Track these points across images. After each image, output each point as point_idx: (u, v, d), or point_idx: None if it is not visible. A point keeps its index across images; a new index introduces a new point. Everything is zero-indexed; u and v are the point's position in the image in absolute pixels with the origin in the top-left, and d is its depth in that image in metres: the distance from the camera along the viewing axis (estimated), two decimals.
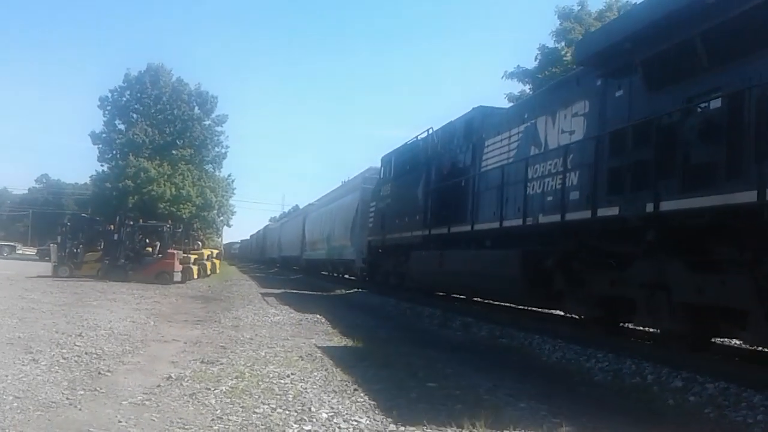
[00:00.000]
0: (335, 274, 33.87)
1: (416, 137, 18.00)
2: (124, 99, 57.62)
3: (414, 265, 16.51)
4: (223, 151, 60.39)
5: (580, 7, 32.43)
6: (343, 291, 23.49)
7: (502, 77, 33.04)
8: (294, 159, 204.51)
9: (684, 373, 6.97)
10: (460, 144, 14.69)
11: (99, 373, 6.88)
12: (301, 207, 57.78)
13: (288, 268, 48.76)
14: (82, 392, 5.94)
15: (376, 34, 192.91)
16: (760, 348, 8.35)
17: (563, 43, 31.71)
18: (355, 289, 23.24)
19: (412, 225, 16.60)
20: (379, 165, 21.96)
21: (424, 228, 15.66)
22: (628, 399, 6.84)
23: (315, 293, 22.77)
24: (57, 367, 7.01)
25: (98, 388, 6.11)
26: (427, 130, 16.89)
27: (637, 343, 9.19)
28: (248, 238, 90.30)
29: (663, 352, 8.12)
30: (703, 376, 6.75)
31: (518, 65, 33.21)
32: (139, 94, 57.28)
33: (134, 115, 57.05)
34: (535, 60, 32.99)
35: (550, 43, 32.66)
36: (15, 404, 5.39)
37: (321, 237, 34.13)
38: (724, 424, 5.78)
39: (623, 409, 6.42)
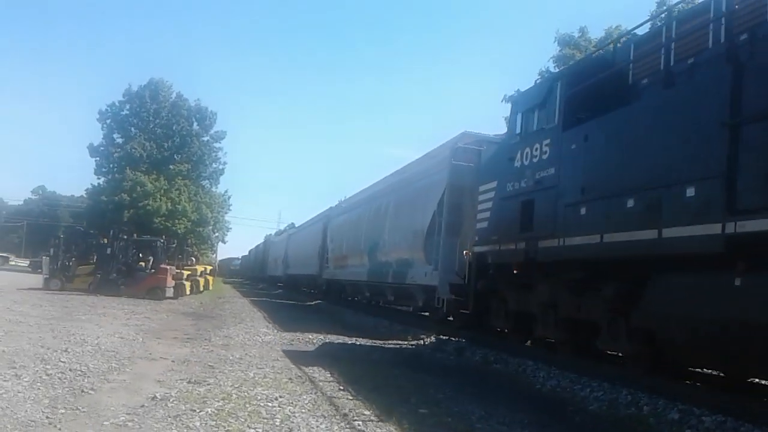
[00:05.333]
0: (377, 302, 23.93)
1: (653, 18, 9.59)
2: (124, 113, 57.63)
3: (684, 310, 7.26)
4: (221, 167, 60.42)
5: (580, 35, 32.65)
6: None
7: (502, 101, 33.12)
8: (291, 177, 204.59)
9: (680, 404, 6.85)
10: None
11: (82, 391, 6.71)
12: (297, 225, 51.73)
13: (296, 290, 39.62)
14: (63, 411, 5.78)
15: (377, 54, 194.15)
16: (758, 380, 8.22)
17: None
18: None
19: (666, 213, 7.40)
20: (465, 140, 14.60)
21: (728, 212, 6.64)
22: (623, 430, 6.69)
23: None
24: (39, 384, 6.84)
25: (80, 407, 5.94)
26: None
27: (632, 372, 8.99)
28: (247, 254, 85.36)
29: (659, 382, 7.98)
30: (700, 408, 6.63)
31: (517, 89, 33.37)
32: (138, 108, 57.30)
33: (133, 129, 57.04)
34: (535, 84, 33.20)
35: (551, 68, 32.87)
36: None
37: (356, 249, 23.97)
38: None
39: None
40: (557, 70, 32.45)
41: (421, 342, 13.84)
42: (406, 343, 13.89)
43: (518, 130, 11.36)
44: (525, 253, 10.41)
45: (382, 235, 20.64)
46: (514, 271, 11.25)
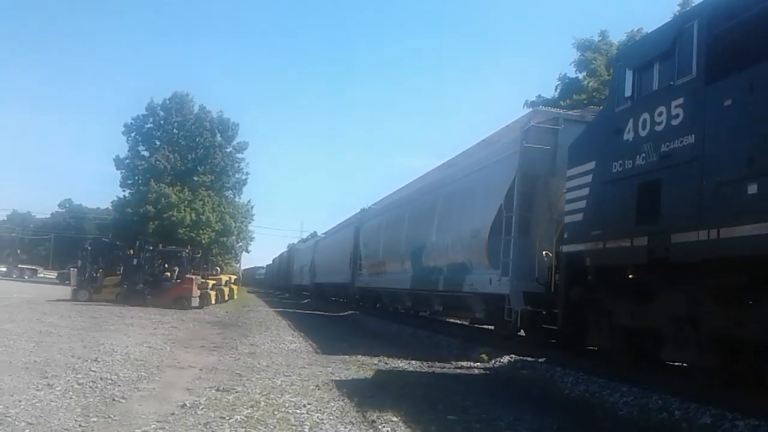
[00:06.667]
0: (421, 312, 21.84)
1: None
2: (148, 126, 58.46)
3: None
4: (244, 177, 60.98)
5: (600, 38, 32.46)
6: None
7: (524, 106, 33.05)
8: (313, 187, 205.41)
9: (712, 409, 6.75)
10: None
11: (113, 399, 6.79)
12: (320, 233, 50.63)
13: (325, 299, 37.60)
14: (95, 419, 5.85)
15: (396, 63, 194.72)
16: None
17: (585, 73, 31.79)
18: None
19: None
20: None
21: None
22: None
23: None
24: (71, 393, 6.94)
25: (112, 416, 6.01)
26: None
27: (663, 376, 8.86)
28: (271, 263, 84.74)
29: (690, 386, 7.87)
30: (732, 412, 6.53)
31: (539, 94, 33.34)
32: (162, 122, 58.15)
33: (157, 142, 57.79)
34: (556, 90, 33.12)
35: (571, 73, 32.76)
36: (27, 431, 5.31)
37: (396, 253, 21.38)
38: None
39: None
40: (580, 75, 32.33)
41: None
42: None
43: (629, 93, 8.87)
44: (648, 251, 8.00)
45: (429, 237, 17.97)
46: (629, 276, 8.82)
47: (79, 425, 5.60)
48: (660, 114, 8.10)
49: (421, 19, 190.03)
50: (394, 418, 6.50)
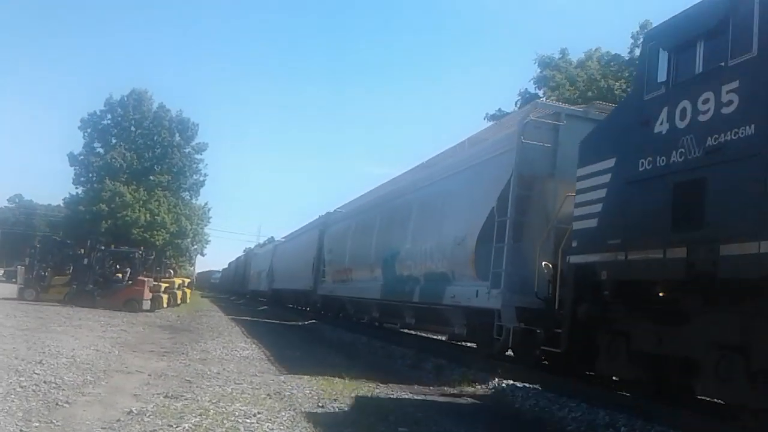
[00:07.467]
0: (388, 324, 19.77)
1: None
2: (105, 122, 57.39)
3: None
4: (201, 179, 60.28)
5: (560, 56, 33.15)
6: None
7: (484, 119, 33.53)
8: (271, 191, 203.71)
9: (657, 425, 6.88)
10: None
11: (57, 404, 6.61)
12: (278, 238, 48.11)
13: (283, 306, 36.51)
14: (37, 424, 5.68)
15: (359, 72, 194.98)
16: None
17: (544, 89, 32.45)
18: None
19: None
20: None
21: None
22: None
23: None
24: (13, 396, 6.73)
25: (54, 421, 5.85)
26: None
27: (610, 392, 9.00)
28: (227, 266, 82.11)
29: (636, 402, 8.01)
30: (677, 429, 6.67)
31: (499, 108, 33.87)
32: (120, 118, 57.13)
33: (113, 139, 56.75)
34: (516, 105, 33.69)
35: (531, 89, 33.41)
36: None
37: (365, 260, 19.68)
38: None
39: None
40: (537, 90, 32.98)
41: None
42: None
43: (663, 78, 7.56)
44: (687, 264, 6.64)
45: (404, 243, 16.27)
46: (659, 294, 7.43)
47: (20, 430, 5.44)
48: (706, 101, 6.79)
49: (385, 26, 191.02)
50: (346, 429, 6.48)
